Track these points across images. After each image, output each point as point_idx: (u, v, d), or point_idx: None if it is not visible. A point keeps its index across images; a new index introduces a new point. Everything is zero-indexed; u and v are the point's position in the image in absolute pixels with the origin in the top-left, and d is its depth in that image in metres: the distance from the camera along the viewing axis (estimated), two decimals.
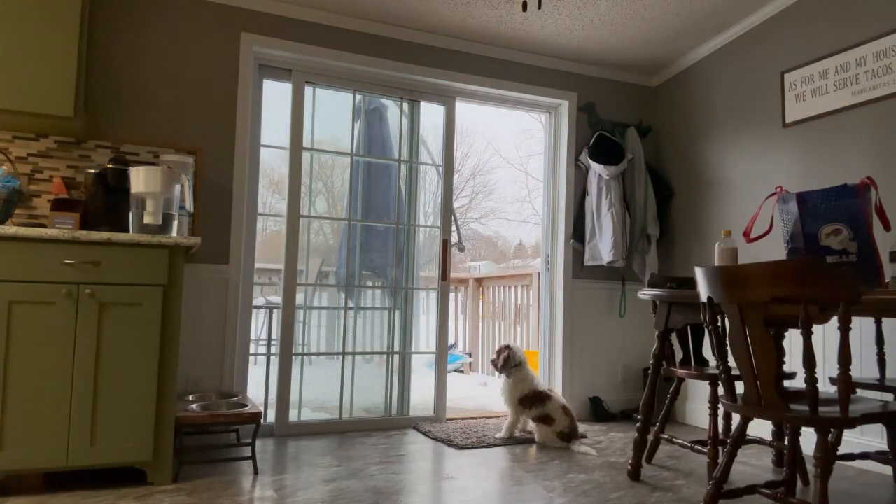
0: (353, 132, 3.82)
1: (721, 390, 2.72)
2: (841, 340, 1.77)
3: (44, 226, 2.75)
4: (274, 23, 3.50)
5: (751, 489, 2.07)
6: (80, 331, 2.44)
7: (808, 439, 3.11)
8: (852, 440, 3.07)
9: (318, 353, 3.79)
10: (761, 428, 3.48)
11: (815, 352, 1.80)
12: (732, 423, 3.06)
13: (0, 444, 2.33)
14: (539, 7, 2.54)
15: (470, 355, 6.80)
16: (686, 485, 2.74)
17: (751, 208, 3.72)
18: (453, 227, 4.12)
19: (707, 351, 3.60)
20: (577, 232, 4.19)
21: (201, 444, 3.11)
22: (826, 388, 3.10)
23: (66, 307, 2.43)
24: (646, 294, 2.80)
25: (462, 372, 6.58)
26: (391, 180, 3.90)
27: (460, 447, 3.28)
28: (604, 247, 4.04)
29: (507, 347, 3.55)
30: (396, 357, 3.88)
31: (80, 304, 2.44)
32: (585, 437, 3.61)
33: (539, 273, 4.49)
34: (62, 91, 2.73)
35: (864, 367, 3.01)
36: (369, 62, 3.70)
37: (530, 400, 3.43)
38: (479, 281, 7.01)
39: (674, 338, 3.77)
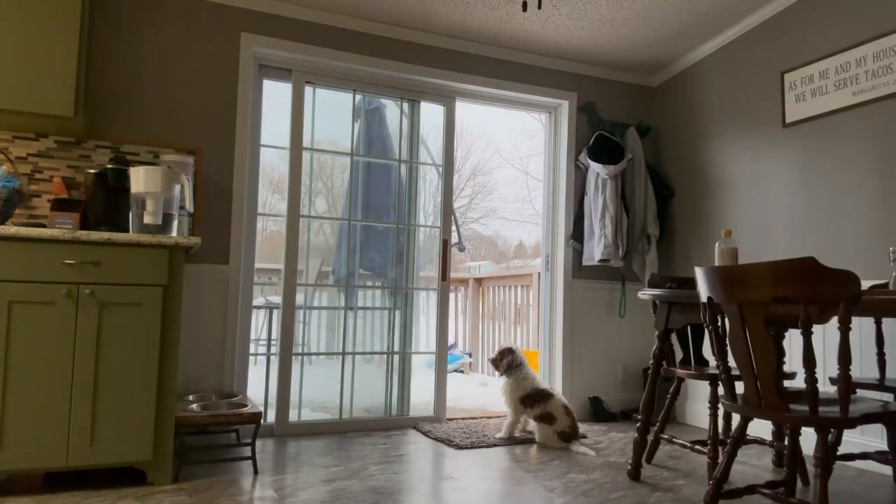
0: (352, 132, 3.81)
1: (721, 390, 2.72)
2: (841, 340, 1.77)
3: (44, 226, 2.75)
4: (274, 23, 3.50)
5: (751, 489, 2.07)
6: (80, 331, 2.44)
7: (808, 439, 3.11)
8: (852, 440, 3.07)
9: (318, 353, 3.79)
10: (761, 428, 3.48)
11: (815, 352, 1.80)
12: (732, 423, 3.06)
13: (0, 444, 2.33)
14: (539, 7, 2.54)
15: (470, 355, 6.80)
16: (686, 485, 2.74)
17: (751, 208, 3.72)
18: (453, 227, 4.12)
19: (707, 351, 3.60)
20: (577, 232, 4.19)
21: (201, 444, 3.11)
22: (826, 388, 3.10)
23: (66, 307, 2.42)
24: (646, 294, 2.80)
25: (462, 372, 6.58)
26: (391, 180, 3.90)
27: (460, 447, 3.28)
28: (596, 244, 4.05)
29: (511, 351, 3.55)
30: (396, 357, 3.88)
31: (80, 304, 2.44)
32: (585, 437, 3.61)
33: (539, 273, 4.49)
34: (62, 91, 2.73)
35: (864, 367, 3.01)
36: (369, 62, 3.69)
37: (532, 398, 3.43)
38: (479, 281, 7.01)
39: (674, 338, 3.77)
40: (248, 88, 3.42)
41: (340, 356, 3.75)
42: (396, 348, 3.87)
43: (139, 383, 2.51)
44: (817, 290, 1.73)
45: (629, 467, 2.83)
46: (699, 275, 2.06)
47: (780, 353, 2.78)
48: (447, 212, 3.97)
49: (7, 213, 2.64)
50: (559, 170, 4.27)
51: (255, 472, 2.75)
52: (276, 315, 3.80)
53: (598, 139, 4.18)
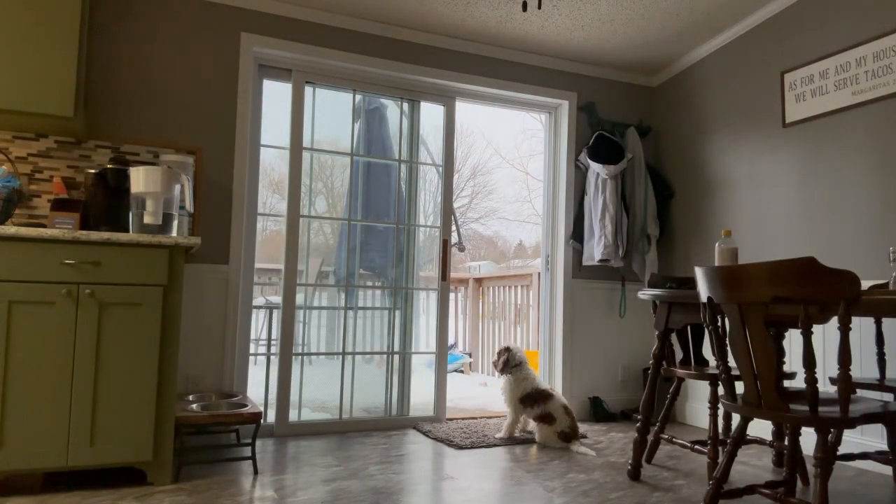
0: (352, 132, 3.81)
1: (721, 390, 2.72)
2: (841, 340, 1.77)
3: (44, 226, 2.75)
4: (274, 23, 3.50)
5: (751, 489, 2.07)
6: (80, 331, 2.44)
7: (808, 439, 3.11)
8: (852, 440, 3.07)
9: (318, 353, 3.79)
10: (761, 428, 3.48)
11: (815, 352, 1.80)
12: (732, 423, 3.06)
13: (0, 444, 2.33)
14: (539, 7, 2.54)
15: (470, 355, 6.80)
16: (686, 485, 2.74)
17: (751, 208, 3.72)
18: (453, 227, 4.12)
19: (707, 351, 3.60)
20: (577, 232, 4.19)
21: (201, 444, 3.11)
22: (826, 388, 3.10)
23: (66, 307, 2.42)
24: (646, 294, 2.80)
25: (462, 372, 6.58)
26: (391, 180, 3.90)
27: (460, 447, 3.28)
28: (596, 244, 4.05)
29: (507, 349, 3.56)
30: (396, 357, 3.88)
31: (80, 304, 2.44)
32: (585, 437, 3.61)
33: (539, 273, 4.49)
34: (62, 91, 2.73)
35: (864, 367, 3.01)
36: (369, 62, 3.69)
37: (532, 398, 3.43)
38: (479, 281, 7.01)
39: (674, 338, 3.77)
40: (248, 88, 3.42)
41: (340, 356, 3.75)
42: (396, 348, 3.87)
43: (139, 383, 2.51)
44: (817, 290, 1.73)
45: (629, 467, 2.83)
46: (699, 275, 2.06)
47: (780, 353, 2.78)
48: (447, 212, 3.98)
49: (7, 213, 2.64)
50: (559, 170, 4.27)
51: (255, 472, 2.75)
52: (276, 315, 3.80)
53: (598, 139, 4.18)
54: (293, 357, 3.55)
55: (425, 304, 4.13)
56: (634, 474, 2.80)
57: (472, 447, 3.29)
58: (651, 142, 4.48)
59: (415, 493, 2.54)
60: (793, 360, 3.25)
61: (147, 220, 2.63)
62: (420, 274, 3.98)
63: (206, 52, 3.36)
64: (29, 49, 2.70)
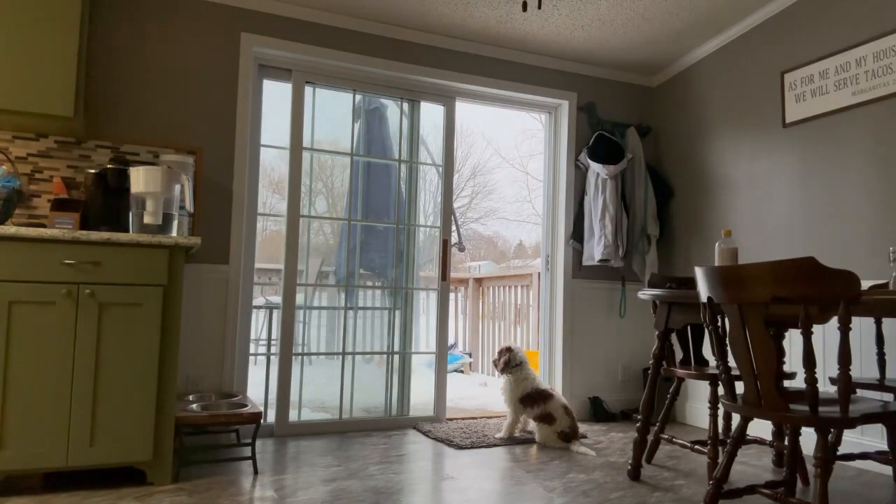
0: (352, 132, 3.81)
1: (721, 390, 2.72)
2: (841, 340, 1.77)
3: (44, 226, 2.75)
4: (274, 23, 3.50)
5: (751, 489, 2.07)
6: (80, 331, 2.44)
7: (808, 439, 3.11)
8: (852, 440, 3.07)
9: (318, 353, 3.79)
10: (761, 428, 3.48)
11: (815, 352, 1.80)
12: (732, 423, 3.06)
13: (0, 444, 2.33)
14: (539, 7, 2.54)
15: (470, 355, 6.80)
16: (686, 485, 2.74)
17: (751, 208, 3.72)
18: (453, 227, 4.12)
19: (707, 351, 3.60)
20: (577, 232, 4.19)
21: (201, 444, 3.11)
22: (826, 388, 3.10)
23: (66, 307, 2.42)
24: (646, 294, 2.80)
25: (462, 372, 6.58)
26: (391, 180, 3.90)
27: (460, 447, 3.28)
28: (596, 244, 4.05)
29: (509, 350, 3.56)
30: (396, 357, 3.88)
31: (80, 304, 2.44)
32: (586, 437, 3.61)
33: (539, 273, 4.49)
34: (62, 91, 2.73)
35: (864, 367, 3.01)
36: (369, 62, 3.69)
37: (532, 398, 3.43)
38: (479, 281, 7.01)
39: (674, 338, 3.77)
40: (248, 88, 3.42)
41: (340, 356, 3.75)
42: (396, 348, 3.87)
43: (139, 383, 2.51)
44: (817, 290, 1.73)
45: (629, 467, 2.83)
46: (699, 275, 2.06)
47: (780, 353, 2.78)
48: (447, 212, 3.98)
49: (7, 213, 2.64)
50: (559, 170, 4.27)
51: (255, 472, 2.75)
52: (276, 315, 3.80)
53: (598, 139, 4.18)
54: (293, 357, 3.55)
55: (425, 304, 4.14)
56: (634, 474, 2.80)
57: (472, 447, 3.29)
58: (651, 142, 4.48)
59: (415, 493, 2.54)
60: (793, 360, 3.25)
61: (147, 220, 2.63)
62: (420, 274, 3.98)
63: (206, 52, 3.36)
64: (29, 49, 2.70)
